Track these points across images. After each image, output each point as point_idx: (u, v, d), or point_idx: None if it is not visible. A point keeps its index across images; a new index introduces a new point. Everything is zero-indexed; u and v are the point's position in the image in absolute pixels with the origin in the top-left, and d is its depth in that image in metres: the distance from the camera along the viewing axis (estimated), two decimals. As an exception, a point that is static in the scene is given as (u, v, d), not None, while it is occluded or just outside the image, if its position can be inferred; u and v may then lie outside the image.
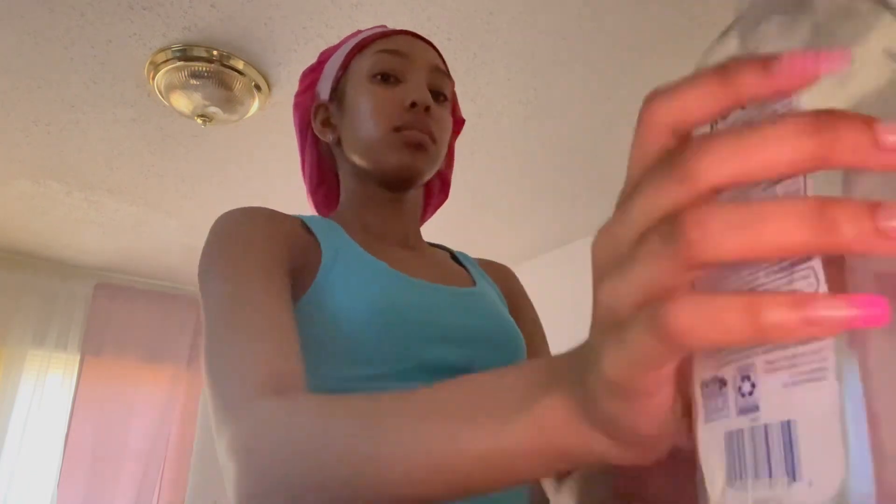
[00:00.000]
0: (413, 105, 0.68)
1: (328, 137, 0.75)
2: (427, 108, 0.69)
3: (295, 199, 2.27)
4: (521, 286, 0.84)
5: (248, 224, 0.60)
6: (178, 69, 1.74)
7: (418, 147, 0.68)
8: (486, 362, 0.64)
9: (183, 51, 1.69)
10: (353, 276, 0.63)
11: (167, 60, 1.72)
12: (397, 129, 0.68)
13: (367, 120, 0.69)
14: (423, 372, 0.61)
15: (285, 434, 0.40)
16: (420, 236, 0.79)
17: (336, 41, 1.66)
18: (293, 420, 0.41)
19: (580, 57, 1.77)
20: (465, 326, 0.66)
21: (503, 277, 0.83)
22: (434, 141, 0.70)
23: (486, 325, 0.68)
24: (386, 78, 0.70)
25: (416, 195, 0.76)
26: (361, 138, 0.70)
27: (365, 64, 0.72)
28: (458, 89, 1.99)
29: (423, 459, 0.32)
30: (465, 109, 1.96)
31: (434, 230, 2.66)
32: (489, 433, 0.29)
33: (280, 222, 0.63)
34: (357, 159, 0.71)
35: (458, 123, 0.83)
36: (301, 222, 0.67)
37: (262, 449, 0.41)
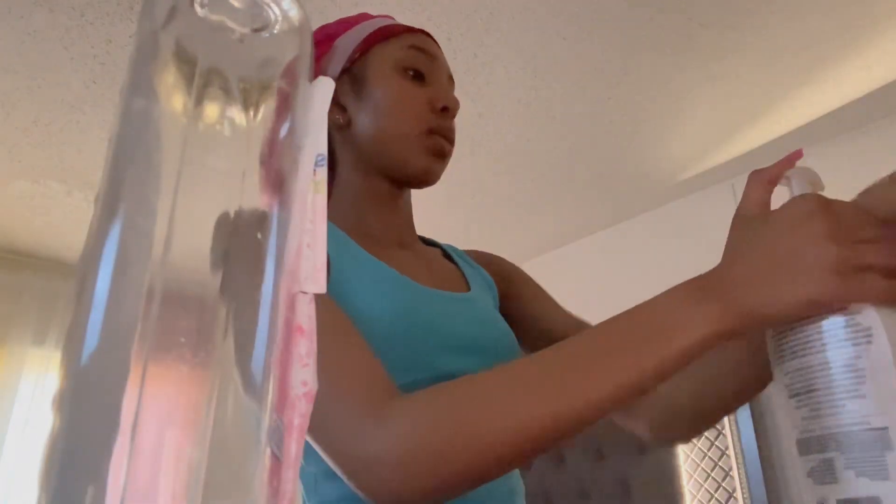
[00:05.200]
0: (444, 109, 0.69)
1: (336, 118, 0.71)
2: (453, 115, 0.70)
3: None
4: (513, 266, 0.83)
5: None
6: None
7: (443, 156, 0.70)
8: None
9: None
10: (370, 285, 0.62)
11: (167, 60, 1.72)
12: (430, 132, 0.68)
13: (396, 114, 0.68)
14: (433, 381, 0.61)
15: (458, 417, 0.45)
16: (414, 233, 0.78)
17: (336, 41, 1.66)
18: (456, 403, 0.46)
19: (580, 57, 1.77)
20: (470, 335, 0.65)
21: (494, 262, 0.83)
22: (451, 149, 0.71)
23: (487, 334, 0.68)
24: (418, 76, 0.70)
25: (410, 192, 0.75)
26: (386, 130, 0.69)
27: (393, 54, 0.70)
28: (458, 89, 1.99)
29: (611, 391, 0.43)
30: (466, 109, 1.96)
31: (434, 229, 2.66)
32: (663, 348, 0.43)
33: None
34: (372, 148, 0.70)
35: None
36: None
37: (433, 441, 0.44)
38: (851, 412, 0.38)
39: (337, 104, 0.72)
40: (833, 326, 0.40)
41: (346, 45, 0.72)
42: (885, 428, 0.37)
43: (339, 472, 0.46)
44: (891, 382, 0.38)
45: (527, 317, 0.77)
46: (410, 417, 0.45)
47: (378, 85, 0.70)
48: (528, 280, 0.82)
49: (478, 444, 0.43)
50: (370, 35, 0.72)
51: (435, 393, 0.47)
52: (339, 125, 0.72)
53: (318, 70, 0.74)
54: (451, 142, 0.70)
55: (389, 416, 0.45)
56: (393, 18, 0.77)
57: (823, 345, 0.40)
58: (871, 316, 0.39)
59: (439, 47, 0.75)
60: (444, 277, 0.73)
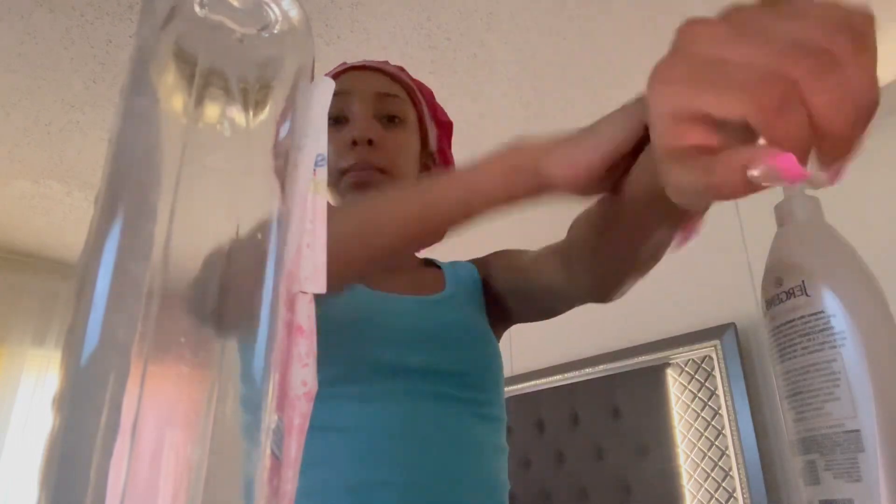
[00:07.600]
0: (354, 143, 0.69)
1: None
2: (370, 142, 0.69)
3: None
4: (501, 250, 0.83)
5: None
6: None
7: (365, 186, 0.69)
8: (441, 363, 0.66)
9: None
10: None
11: (167, 60, 1.73)
12: (344, 172, 0.69)
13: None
14: (377, 373, 0.63)
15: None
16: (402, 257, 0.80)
17: (336, 41, 1.67)
18: None
19: (580, 57, 1.77)
20: (420, 330, 0.67)
21: (483, 260, 0.83)
22: (384, 170, 0.70)
23: (441, 329, 0.69)
24: (337, 121, 0.71)
25: None
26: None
27: None
28: (457, 89, 1.99)
29: (421, 211, 0.45)
30: (465, 109, 1.96)
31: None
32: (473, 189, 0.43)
33: None
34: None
35: (444, 127, 0.83)
36: None
37: None
38: (828, 415, 0.39)
39: None
40: (812, 330, 0.41)
41: None
42: (857, 430, 0.38)
43: None
44: (864, 385, 0.38)
45: (503, 278, 0.77)
46: None
47: None
48: (503, 251, 0.81)
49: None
50: None
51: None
52: None
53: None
54: (375, 169, 0.70)
55: None
56: (346, 64, 0.78)
57: (804, 348, 0.41)
58: (845, 319, 0.40)
59: (365, 68, 0.75)
60: (419, 284, 0.75)
